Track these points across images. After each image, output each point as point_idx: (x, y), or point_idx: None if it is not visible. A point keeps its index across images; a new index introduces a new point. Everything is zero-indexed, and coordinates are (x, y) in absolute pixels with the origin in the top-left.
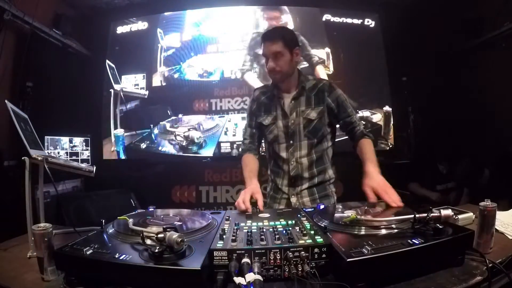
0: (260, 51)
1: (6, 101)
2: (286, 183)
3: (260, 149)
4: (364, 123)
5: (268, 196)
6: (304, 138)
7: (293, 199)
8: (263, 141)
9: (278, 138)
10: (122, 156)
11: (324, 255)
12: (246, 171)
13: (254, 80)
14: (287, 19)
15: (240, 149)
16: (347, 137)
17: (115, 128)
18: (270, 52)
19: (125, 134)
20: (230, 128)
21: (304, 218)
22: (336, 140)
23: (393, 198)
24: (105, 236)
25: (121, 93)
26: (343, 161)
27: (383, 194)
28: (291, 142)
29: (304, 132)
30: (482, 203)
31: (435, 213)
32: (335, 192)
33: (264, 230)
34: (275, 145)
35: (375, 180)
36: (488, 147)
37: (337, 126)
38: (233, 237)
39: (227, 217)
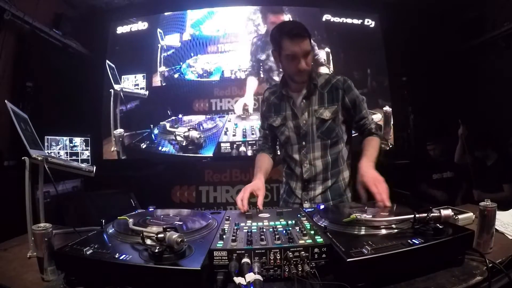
0: (262, 57)
1: (6, 101)
2: (300, 186)
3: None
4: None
5: (281, 199)
6: (317, 139)
7: (306, 205)
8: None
9: (290, 139)
10: (122, 156)
11: (324, 255)
12: (256, 167)
13: (251, 87)
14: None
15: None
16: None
17: (115, 128)
18: (302, 51)
19: (125, 134)
20: (230, 128)
21: (304, 218)
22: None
23: (383, 195)
24: (105, 236)
25: (121, 93)
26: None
27: (372, 186)
28: (304, 143)
29: (317, 133)
30: (482, 203)
31: (435, 213)
32: (350, 197)
33: (264, 230)
34: (287, 146)
35: (365, 174)
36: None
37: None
38: (233, 237)
39: (227, 217)
